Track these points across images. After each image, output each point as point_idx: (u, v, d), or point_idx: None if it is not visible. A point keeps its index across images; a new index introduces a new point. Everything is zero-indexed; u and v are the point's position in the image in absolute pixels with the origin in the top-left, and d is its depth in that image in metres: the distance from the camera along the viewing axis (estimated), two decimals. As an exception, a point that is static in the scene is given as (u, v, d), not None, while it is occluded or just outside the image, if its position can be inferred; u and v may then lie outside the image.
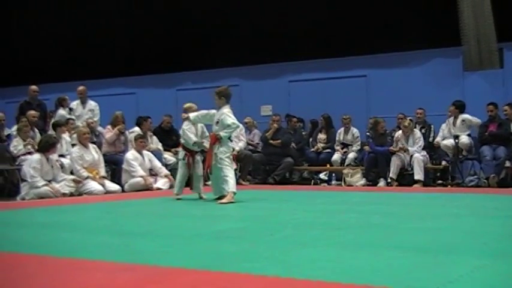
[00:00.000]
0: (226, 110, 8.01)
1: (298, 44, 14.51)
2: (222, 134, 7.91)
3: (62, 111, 12.02)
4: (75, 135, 11.01)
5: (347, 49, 13.94)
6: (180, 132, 9.03)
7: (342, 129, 12.70)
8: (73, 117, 11.83)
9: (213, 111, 8.20)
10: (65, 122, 11.28)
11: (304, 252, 3.82)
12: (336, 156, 12.37)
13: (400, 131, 11.48)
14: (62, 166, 9.83)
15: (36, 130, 10.92)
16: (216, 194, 8.14)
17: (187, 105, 8.88)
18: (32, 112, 11.08)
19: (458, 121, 11.33)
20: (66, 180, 9.56)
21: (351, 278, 2.95)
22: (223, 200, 7.68)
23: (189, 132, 8.56)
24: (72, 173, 9.99)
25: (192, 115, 8.45)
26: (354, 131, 12.67)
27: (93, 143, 10.77)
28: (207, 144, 8.88)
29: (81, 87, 12.28)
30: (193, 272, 3.22)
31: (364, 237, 4.49)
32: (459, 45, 12.89)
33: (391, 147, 11.45)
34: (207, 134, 8.93)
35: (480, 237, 4.50)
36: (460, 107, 11.38)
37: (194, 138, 8.54)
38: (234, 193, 7.74)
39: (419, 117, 12.00)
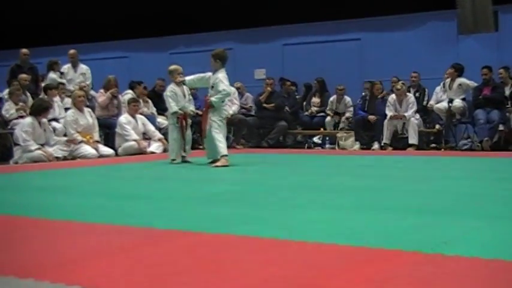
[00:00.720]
0: (221, 74, 7.92)
1: (292, 7, 14.38)
2: (212, 99, 7.87)
3: (52, 75, 11.92)
4: (67, 99, 10.96)
5: (341, 12, 13.83)
6: (164, 97, 8.98)
7: (335, 97, 12.59)
8: (64, 81, 11.75)
9: (209, 74, 8.13)
10: (56, 86, 11.20)
11: (299, 215, 3.83)
12: (329, 119, 12.36)
13: (394, 95, 11.45)
14: (54, 130, 9.79)
15: (28, 94, 10.84)
16: (210, 157, 8.12)
17: (172, 67, 8.78)
18: (24, 75, 10.98)
19: (455, 84, 11.26)
20: (59, 144, 9.53)
21: (346, 240, 2.96)
22: (218, 164, 7.67)
23: (171, 99, 8.50)
24: (65, 136, 9.95)
25: (188, 78, 8.40)
26: (347, 100, 12.57)
27: (87, 106, 10.71)
28: (193, 108, 8.90)
29: (72, 51, 12.19)
30: (189, 234, 3.22)
31: (359, 200, 4.50)
32: (454, 8, 12.80)
33: (371, 116, 11.49)
34: (192, 98, 9.00)
35: (475, 199, 4.52)
36: (459, 70, 11.30)
37: (175, 108, 8.48)
38: (226, 156, 7.74)
39: (414, 81, 11.95)
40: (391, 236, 3.08)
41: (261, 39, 14.80)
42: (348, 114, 12.41)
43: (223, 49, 8.30)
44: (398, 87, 11.25)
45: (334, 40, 14.21)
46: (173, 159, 8.45)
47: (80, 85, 11.59)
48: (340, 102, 12.56)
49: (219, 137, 7.83)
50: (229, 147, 8.53)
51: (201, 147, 12.35)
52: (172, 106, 8.49)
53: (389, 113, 11.27)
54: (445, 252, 2.65)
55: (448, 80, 11.38)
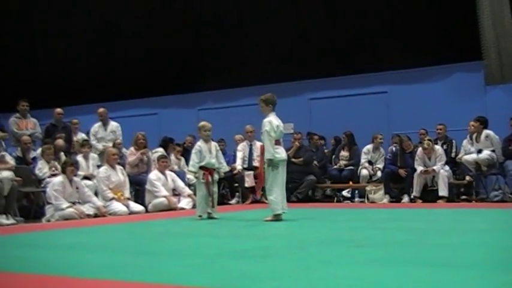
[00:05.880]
0: (267, 118, 7.89)
1: (318, 61, 14.55)
2: (268, 157, 7.74)
3: (82, 134, 12.21)
4: (93, 155, 11.21)
5: (367, 66, 13.96)
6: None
7: (370, 147, 12.61)
8: (85, 138, 11.98)
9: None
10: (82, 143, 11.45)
11: (328, 270, 3.80)
12: (366, 172, 12.31)
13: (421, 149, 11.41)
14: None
15: (61, 153, 11.03)
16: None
17: (202, 123, 8.90)
18: (60, 141, 11.13)
19: (483, 136, 11.18)
20: (92, 202, 9.65)
21: (376, 296, 2.94)
22: (268, 218, 7.76)
23: (195, 156, 8.56)
24: (96, 193, 10.08)
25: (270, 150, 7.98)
26: (382, 150, 12.63)
27: (118, 164, 10.86)
28: (223, 165, 8.93)
29: (101, 109, 12.41)
30: (218, 291, 3.23)
31: (389, 254, 4.46)
32: (480, 60, 12.84)
33: (401, 170, 11.43)
34: (223, 160, 8.97)
35: (507, 252, 4.45)
36: (484, 123, 11.26)
37: (191, 168, 8.60)
38: (279, 215, 7.77)
39: (440, 133, 11.93)
40: (420, 292, 3.05)
41: (288, 93, 14.91)
42: (379, 165, 12.38)
43: (272, 94, 8.18)
44: (426, 146, 11.17)
45: (361, 93, 14.30)
46: (200, 215, 8.49)
47: (116, 142, 11.78)
48: (376, 152, 12.54)
49: (271, 193, 7.81)
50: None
51: (230, 202, 12.42)
52: (191, 164, 8.58)
53: (418, 167, 11.21)
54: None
55: (475, 133, 11.30)
